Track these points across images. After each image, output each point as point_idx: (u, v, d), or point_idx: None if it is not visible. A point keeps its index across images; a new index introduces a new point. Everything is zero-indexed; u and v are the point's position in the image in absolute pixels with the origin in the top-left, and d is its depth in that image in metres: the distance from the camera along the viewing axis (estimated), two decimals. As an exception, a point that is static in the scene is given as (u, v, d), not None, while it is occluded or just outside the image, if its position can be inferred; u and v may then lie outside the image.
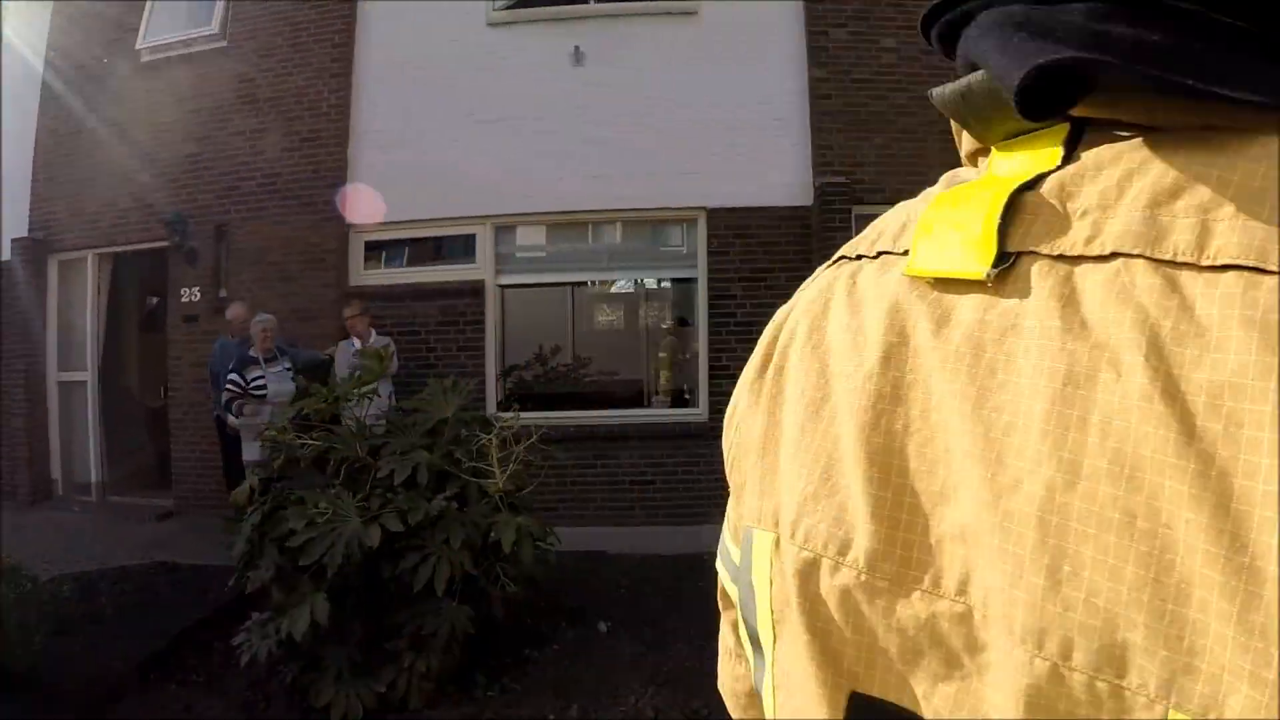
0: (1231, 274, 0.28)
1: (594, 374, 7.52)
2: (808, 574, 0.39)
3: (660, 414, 6.44)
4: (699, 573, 4.84)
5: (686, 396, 6.58)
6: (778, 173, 6.40)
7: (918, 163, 6.43)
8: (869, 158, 6.42)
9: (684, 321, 6.76)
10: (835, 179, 6.25)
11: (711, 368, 6.21)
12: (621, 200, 6.29)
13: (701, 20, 6.55)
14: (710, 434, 5.87)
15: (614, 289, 7.99)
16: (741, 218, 6.31)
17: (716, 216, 6.31)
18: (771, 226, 6.33)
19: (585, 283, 7.62)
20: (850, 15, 6.58)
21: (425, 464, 3.59)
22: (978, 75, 0.38)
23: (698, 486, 5.82)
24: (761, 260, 6.28)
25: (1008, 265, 0.34)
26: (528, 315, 7.31)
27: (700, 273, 6.37)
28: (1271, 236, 0.27)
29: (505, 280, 6.62)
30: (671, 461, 6.07)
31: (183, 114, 6.84)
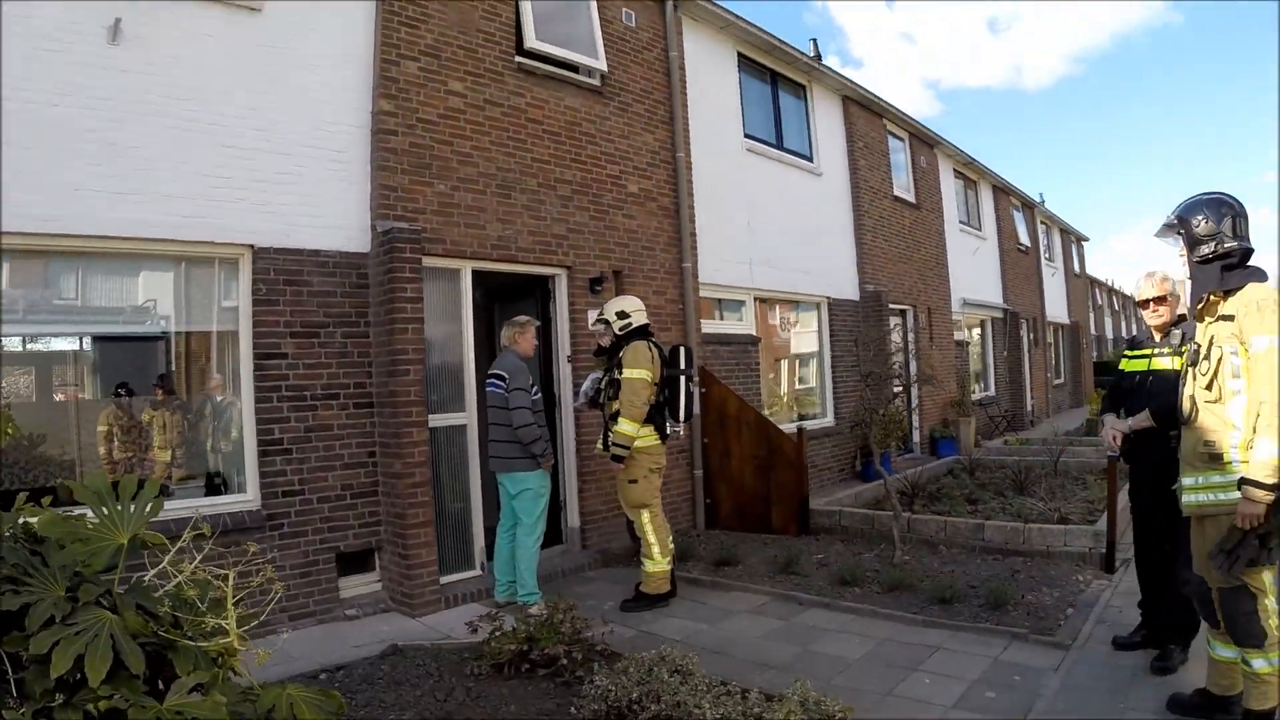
0: None
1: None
2: None
3: (186, 505, 5.26)
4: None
5: (218, 481, 5.97)
6: (334, 213, 6.20)
7: (477, 215, 6.77)
8: (431, 205, 6.52)
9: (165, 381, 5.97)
10: (401, 224, 6.25)
11: (262, 442, 5.78)
12: (140, 227, 5.37)
13: (266, 19, 5.93)
14: (268, 524, 5.66)
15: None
16: (293, 261, 5.96)
17: (265, 258, 5.86)
18: (326, 274, 6.11)
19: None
20: (423, 49, 6.47)
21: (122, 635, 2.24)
22: None
23: (266, 595, 5.54)
24: (315, 314, 6.04)
25: None
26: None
27: (243, 325, 5.86)
28: None
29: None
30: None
31: None
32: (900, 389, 10.10)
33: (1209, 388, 3.64)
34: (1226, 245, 3.62)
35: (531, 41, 7.61)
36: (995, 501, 8.95)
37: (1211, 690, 3.95)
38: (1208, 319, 3.71)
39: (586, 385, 6.65)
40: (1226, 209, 3.68)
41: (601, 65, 8.31)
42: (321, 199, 6.14)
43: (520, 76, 7.46)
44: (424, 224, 6.49)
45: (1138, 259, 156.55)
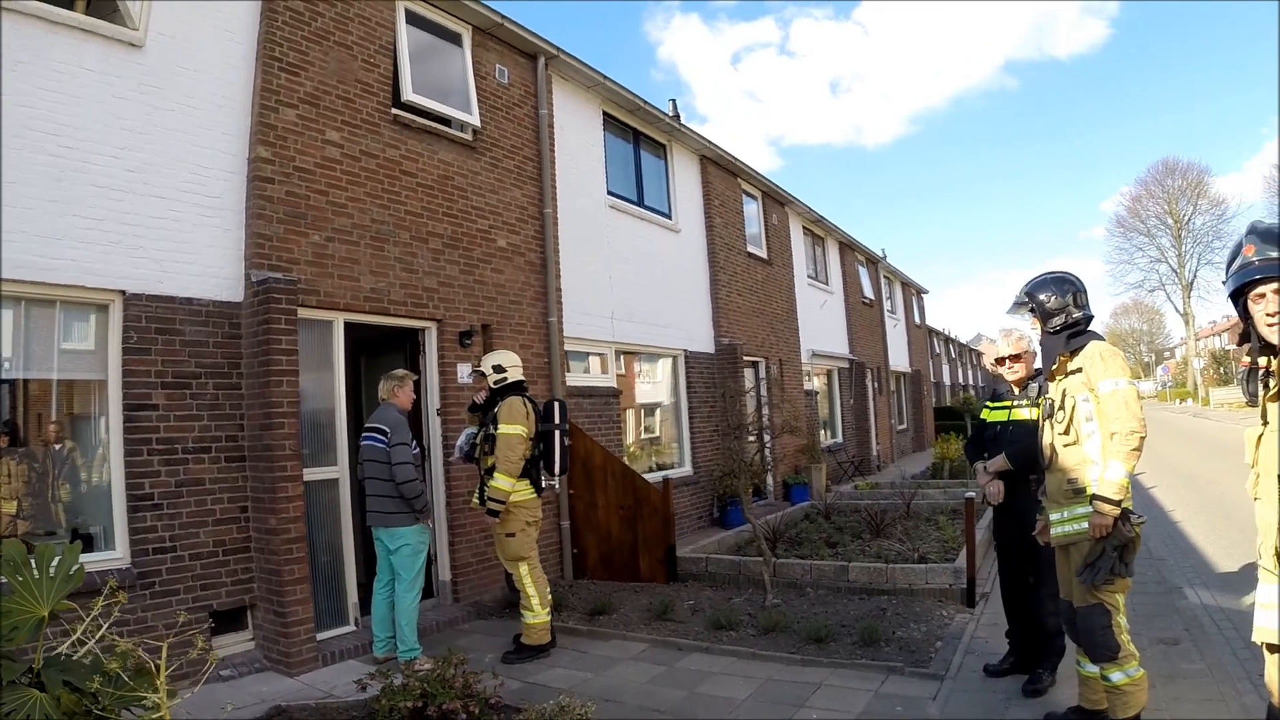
0: None
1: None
2: None
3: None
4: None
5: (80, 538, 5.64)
6: (207, 260, 6.20)
7: (351, 267, 6.86)
8: (305, 255, 6.59)
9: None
10: (277, 275, 6.29)
11: (132, 497, 5.64)
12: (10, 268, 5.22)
13: (147, 55, 5.96)
14: (139, 582, 5.53)
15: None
16: (166, 309, 5.92)
17: (137, 304, 5.79)
18: (199, 323, 6.08)
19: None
20: (302, 97, 6.57)
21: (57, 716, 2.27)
22: None
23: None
24: (188, 364, 5.99)
25: None
26: None
27: (112, 374, 5.74)
28: None
29: None
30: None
31: None
32: (763, 438, 10.57)
33: (1066, 432, 4.24)
34: (1074, 316, 4.28)
35: (408, 94, 7.85)
36: (854, 544, 9.54)
37: (1084, 706, 4.45)
38: (1059, 377, 4.34)
39: (462, 440, 6.79)
40: (1069, 286, 4.34)
41: (475, 120, 8.61)
42: (195, 245, 6.13)
43: (396, 129, 7.67)
44: (299, 274, 6.56)
45: (971, 310, 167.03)
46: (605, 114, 11.74)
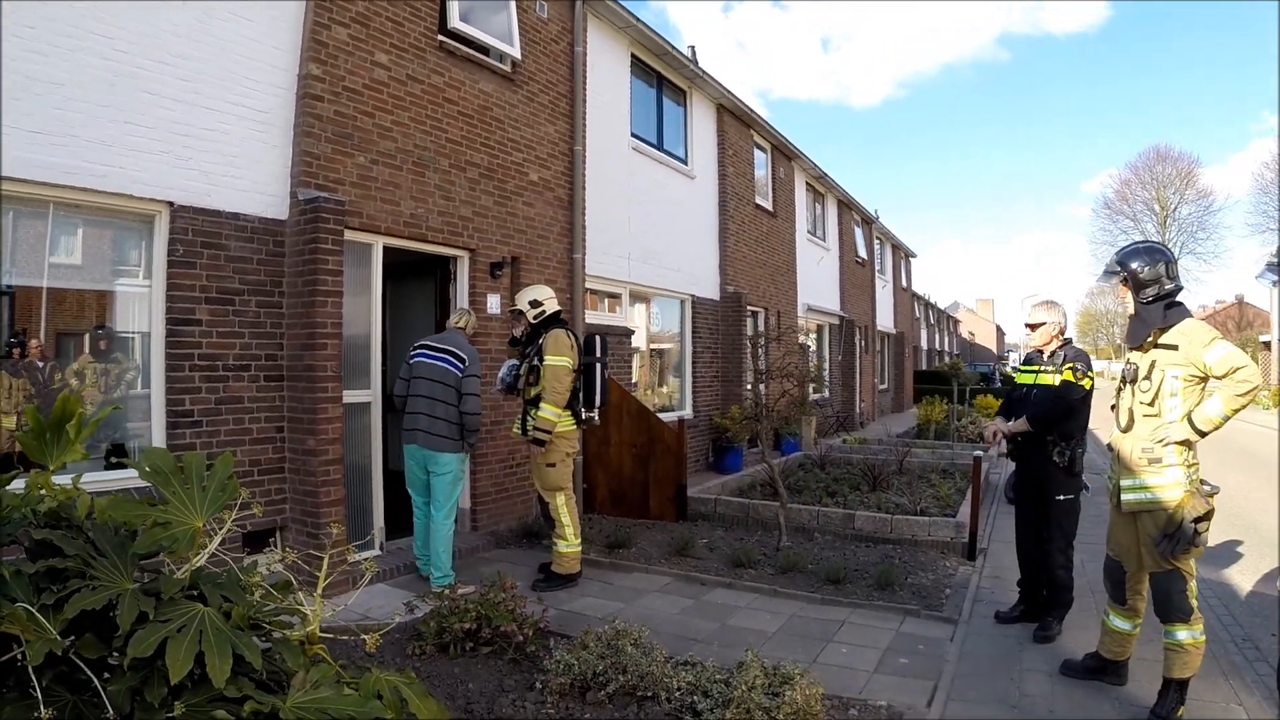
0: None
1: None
2: None
3: (92, 480, 4.79)
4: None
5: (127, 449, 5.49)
6: (254, 176, 5.96)
7: (393, 191, 6.66)
8: (350, 176, 6.38)
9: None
10: (324, 194, 6.10)
11: (172, 413, 5.44)
12: (55, 172, 4.91)
13: None
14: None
15: None
16: (212, 223, 5.68)
17: (184, 217, 5.54)
18: (244, 239, 5.86)
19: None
20: (354, 16, 6.33)
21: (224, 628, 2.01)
22: None
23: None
24: (232, 280, 5.78)
25: None
26: None
27: (156, 287, 5.50)
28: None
29: None
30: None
31: None
32: (761, 390, 10.50)
33: (1151, 404, 4.18)
34: (1166, 287, 4.18)
35: (455, 22, 7.56)
36: (854, 495, 9.54)
37: (1103, 654, 4.59)
38: (1149, 347, 4.25)
39: (505, 371, 6.65)
40: (1160, 256, 4.23)
41: (515, 52, 8.32)
42: (243, 160, 5.85)
43: (441, 55, 7.38)
44: (343, 195, 6.32)
45: (946, 277, 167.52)
46: (633, 56, 11.43)
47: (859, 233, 24.12)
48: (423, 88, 7.16)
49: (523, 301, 6.51)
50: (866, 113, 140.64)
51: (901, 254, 31.90)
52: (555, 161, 9.03)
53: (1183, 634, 4.08)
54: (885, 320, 27.92)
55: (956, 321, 65.36)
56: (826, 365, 20.78)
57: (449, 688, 4.32)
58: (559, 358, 6.21)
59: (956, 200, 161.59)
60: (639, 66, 11.76)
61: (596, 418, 6.67)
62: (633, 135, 11.37)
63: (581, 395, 6.47)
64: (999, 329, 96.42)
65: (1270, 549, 8.08)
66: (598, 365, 6.53)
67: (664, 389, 13.15)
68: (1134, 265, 4.19)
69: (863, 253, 24.29)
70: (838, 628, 5.53)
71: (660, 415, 10.96)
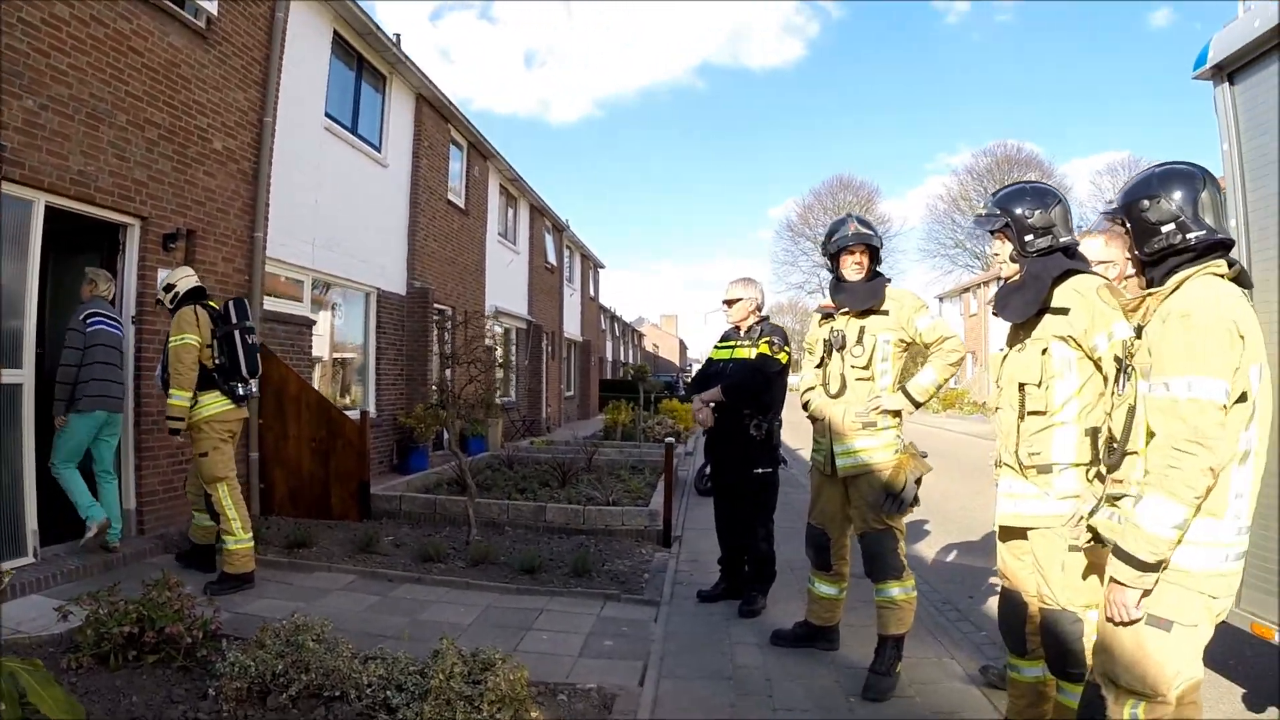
0: None
1: None
2: None
3: None
4: None
5: None
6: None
7: (62, 143, 6.26)
8: (15, 120, 5.87)
9: None
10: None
11: None
12: None
13: None
14: None
15: None
16: None
17: None
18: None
19: None
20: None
21: None
22: None
23: None
24: None
25: None
26: None
27: None
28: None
29: None
30: None
31: None
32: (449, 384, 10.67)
33: (865, 367, 4.58)
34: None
35: (146, -37, 7.08)
36: (544, 491, 10.06)
37: (813, 621, 5.03)
38: (856, 314, 4.69)
39: (159, 372, 6.45)
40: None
41: (212, 8, 7.97)
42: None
43: (132, 0, 6.94)
44: (4, 140, 5.76)
45: (633, 294, 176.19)
46: (336, 33, 11.30)
47: (550, 239, 25.03)
48: (107, 32, 6.68)
49: (160, 288, 6.48)
50: (564, 130, 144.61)
51: (591, 264, 33.38)
52: (243, 131, 8.72)
53: (896, 590, 4.47)
54: (572, 328, 29.08)
55: (641, 335, 68.94)
56: (513, 369, 21.32)
57: (109, 703, 3.94)
58: (179, 336, 6.11)
59: (647, 219, 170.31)
60: (340, 46, 11.63)
61: (255, 388, 6.59)
62: (327, 115, 11.21)
63: (231, 369, 6.33)
64: (682, 343, 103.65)
65: (953, 526, 9.54)
66: (237, 331, 6.37)
67: (342, 381, 12.93)
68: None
69: (553, 259, 25.22)
70: (537, 615, 5.75)
71: (365, 409, 10.85)
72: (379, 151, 13.07)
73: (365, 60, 12.48)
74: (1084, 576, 3.25)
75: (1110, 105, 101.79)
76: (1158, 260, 2.74)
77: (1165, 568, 2.50)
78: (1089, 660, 3.11)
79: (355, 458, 8.99)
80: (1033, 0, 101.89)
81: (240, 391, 6.36)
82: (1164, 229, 2.68)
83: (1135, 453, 2.68)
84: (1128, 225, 2.80)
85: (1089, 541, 2.93)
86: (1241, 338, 2.49)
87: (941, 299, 52.25)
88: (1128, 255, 2.94)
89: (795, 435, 12.28)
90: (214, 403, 6.19)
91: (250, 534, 6.32)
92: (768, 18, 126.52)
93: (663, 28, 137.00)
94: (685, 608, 6.04)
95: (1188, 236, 2.64)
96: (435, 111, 14.94)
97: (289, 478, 9.08)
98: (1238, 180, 4.13)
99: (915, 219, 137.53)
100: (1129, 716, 2.58)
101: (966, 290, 49.73)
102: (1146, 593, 2.52)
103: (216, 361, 6.22)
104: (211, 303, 6.44)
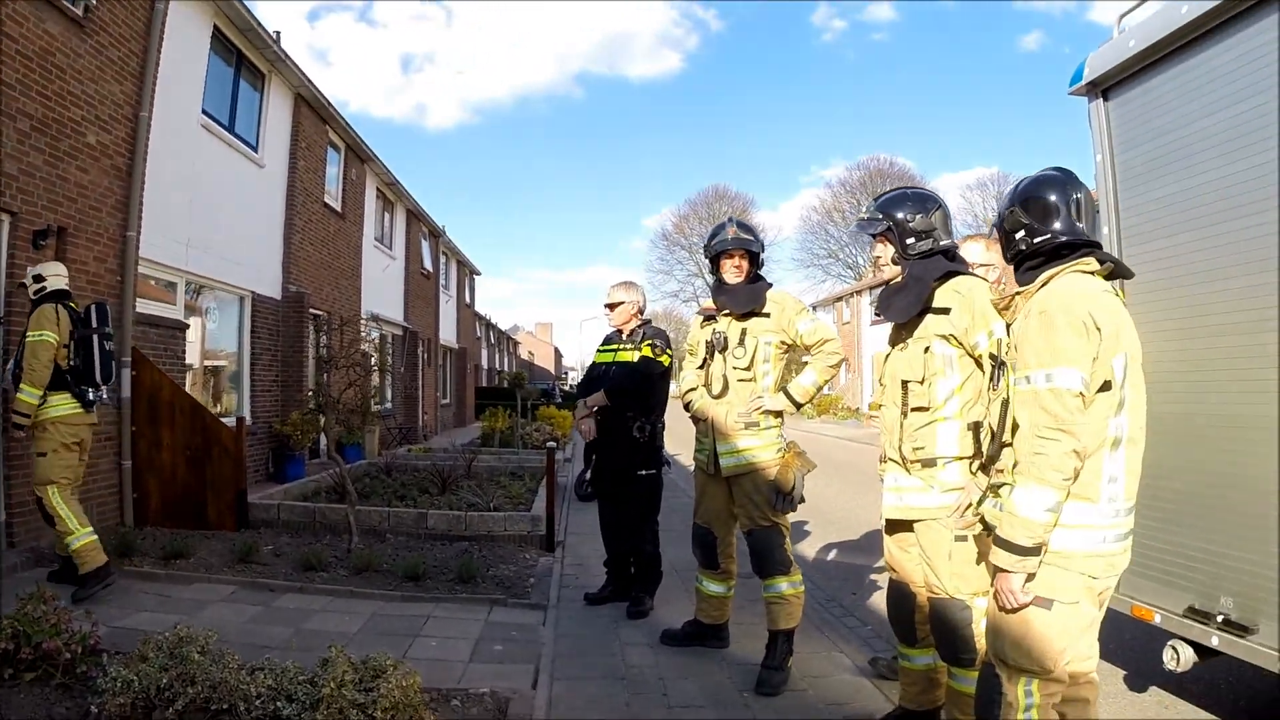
0: None
1: None
2: None
3: None
4: None
5: None
6: None
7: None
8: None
9: None
10: None
11: None
12: None
13: None
14: None
15: None
16: None
17: None
18: None
19: None
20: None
21: None
22: None
23: None
24: None
25: None
26: None
27: None
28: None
29: None
30: None
31: None
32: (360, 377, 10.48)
33: (748, 368, 4.70)
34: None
35: (23, -53, 6.80)
36: (424, 498, 9.97)
37: (702, 620, 5.15)
38: (737, 317, 4.83)
39: (10, 365, 6.23)
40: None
41: (91, -5, 7.67)
42: None
43: (5, -15, 6.62)
44: None
45: (510, 298, 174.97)
46: (215, 28, 11.00)
47: (426, 245, 24.79)
48: (-22, 17, 6.39)
49: (28, 276, 6.25)
50: (440, 135, 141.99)
51: (467, 271, 33.16)
52: (117, 126, 8.43)
53: (784, 585, 4.59)
54: (448, 335, 28.81)
55: (516, 343, 68.59)
56: (389, 376, 21.02)
57: (-19, 732, 3.77)
58: (38, 333, 5.96)
59: (523, 227, 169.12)
60: (220, 41, 11.33)
61: (105, 395, 6.43)
62: (204, 113, 10.88)
63: (85, 373, 6.18)
64: (557, 351, 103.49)
65: (833, 526, 9.80)
66: (95, 337, 6.26)
67: (216, 387, 12.55)
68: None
69: (429, 265, 24.98)
70: (423, 622, 5.74)
71: (241, 415, 10.54)
72: (256, 151, 12.76)
73: (245, 57, 12.17)
74: (976, 564, 3.46)
75: (981, 122, 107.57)
76: (1018, 263, 3.02)
77: (1045, 551, 2.70)
78: (979, 646, 3.34)
79: (232, 466, 8.76)
80: (907, 21, 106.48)
81: (90, 396, 6.21)
82: (1016, 236, 2.97)
83: (1010, 444, 2.88)
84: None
85: (981, 531, 3.13)
86: (1098, 329, 2.68)
87: (815, 307, 54.02)
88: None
89: (675, 441, 12.63)
90: (63, 404, 6.04)
91: (90, 527, 6.12)
92: (647, 27, 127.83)
93: (542, 33, 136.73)
94: (573, 611, 6.14)
95: (1034, 241, 2.91)
96: (314, 112, 14.69)
97: (163, 487, 8.77)
98: (1110, 188, 4.42)
99: (790, 229, 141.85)
100: (1023, 693, 2.75)
101: (840, 299, 51.53)
102: (1031, 576, 2.71)
103: (71, 363, 6.06)
104: (73, 304, 6.26)
